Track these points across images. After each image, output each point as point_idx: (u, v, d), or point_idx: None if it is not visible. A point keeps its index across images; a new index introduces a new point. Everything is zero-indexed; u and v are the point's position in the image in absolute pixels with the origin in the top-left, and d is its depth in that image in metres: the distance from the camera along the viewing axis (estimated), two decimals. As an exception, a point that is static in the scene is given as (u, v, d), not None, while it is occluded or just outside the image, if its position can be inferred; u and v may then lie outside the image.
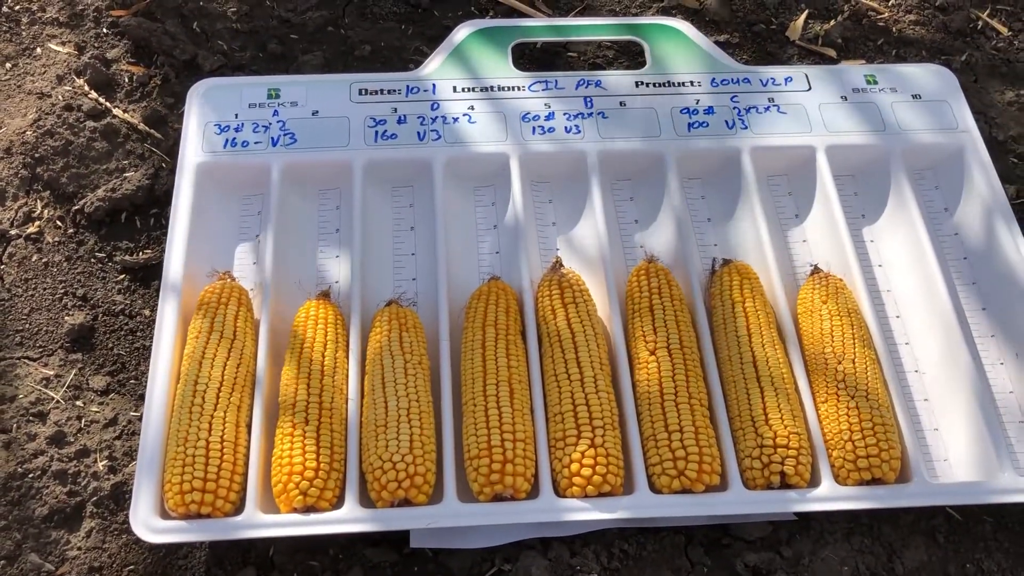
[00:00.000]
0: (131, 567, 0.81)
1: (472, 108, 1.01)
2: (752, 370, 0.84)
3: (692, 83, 1.04)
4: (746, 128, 1.01)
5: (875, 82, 1.05)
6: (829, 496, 0.79)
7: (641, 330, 0.87)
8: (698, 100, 1.03)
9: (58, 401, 0.89)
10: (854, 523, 0.83)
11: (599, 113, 1.01)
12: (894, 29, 1.20)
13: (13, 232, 0.99)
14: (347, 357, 0.86)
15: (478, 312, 0.88)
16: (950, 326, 0.89)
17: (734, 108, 1.02)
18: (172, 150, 1.04)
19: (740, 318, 0.87)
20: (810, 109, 1.03)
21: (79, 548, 0.81)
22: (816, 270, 0.93)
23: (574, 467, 0.78)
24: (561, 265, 0.92)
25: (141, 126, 1.06)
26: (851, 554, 0.81)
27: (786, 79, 1.05)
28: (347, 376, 0.85)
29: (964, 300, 0.93)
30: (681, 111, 1.02)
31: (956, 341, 0.88)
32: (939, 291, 0.91)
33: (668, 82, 1.04)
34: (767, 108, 1.02)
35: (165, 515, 0.77)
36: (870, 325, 0.89)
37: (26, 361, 0.92)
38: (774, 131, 1.01)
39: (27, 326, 0.94)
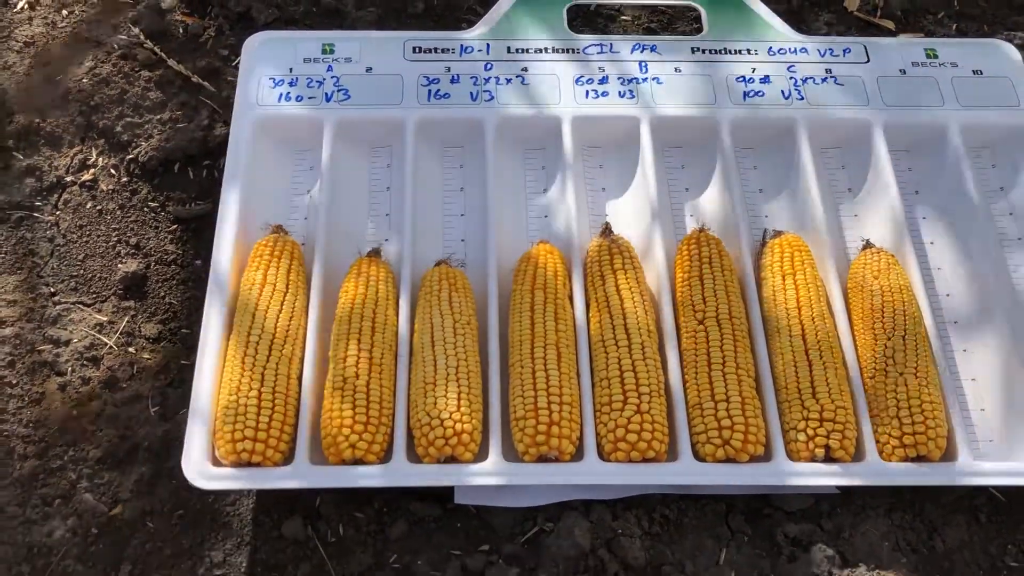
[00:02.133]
0: (181, 512, 0.82)
1: (525, 70, 1.01)
2: (801, 343, 0.84)
3: (749, 51, 1.03)
4: (802, 99, 1.00)
5: (935, 56, 1.03)
6: (873, 471, 0.79)
7: (690, 299, 0.87)
8: (754, 68, 1.01)
9: (111, 347, 0.91)
10: (896, 499, 0.83)
11: (654, 78, 1.00)
12: (955, 2, 1.18)
13: (68, 179, 1.01)
14: (396, 315, 0.87)
15: (527, 275, 0.88)
16: (1002, 307, 0.88)
17: (791, 78, 1.01)
18: (225, 102, 1.04)
19: (790, 290, 0.87)
20: (868, 82, 1.01)
21: (131, 491, 0.83)
22: (868, 245, 0.92)
23: (619, 432, 0.79)
24: (611, 231, 0.91)
25: (195, 78, 1.06)
26: (892, 529, 0.81)
27: (845, 50, 1.03)
28: (396, 333, 0.85)
29: (1016, 281, 0.92)
30: (737, 79, 1.00)
31: (1007, 322, 0.87)
32: (991, 271, 0.90)
33: (724, 49, 1.03)
34: (824, 79, 1.01)
35: (216, 463, 0.79)
36: (919, 302, 0.88)
37: (80, 306, 0.93)
38: (830, 103, 1.00)
39: (81, 272, 0.95)
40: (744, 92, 1.00)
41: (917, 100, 1.00)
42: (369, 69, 1.00)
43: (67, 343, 0.91)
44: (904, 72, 1.02)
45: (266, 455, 0.78)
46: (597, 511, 0.80)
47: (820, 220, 0.93)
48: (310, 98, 0.98)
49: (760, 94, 1.00)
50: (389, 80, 1.00)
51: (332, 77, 0.99)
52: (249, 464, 0.78)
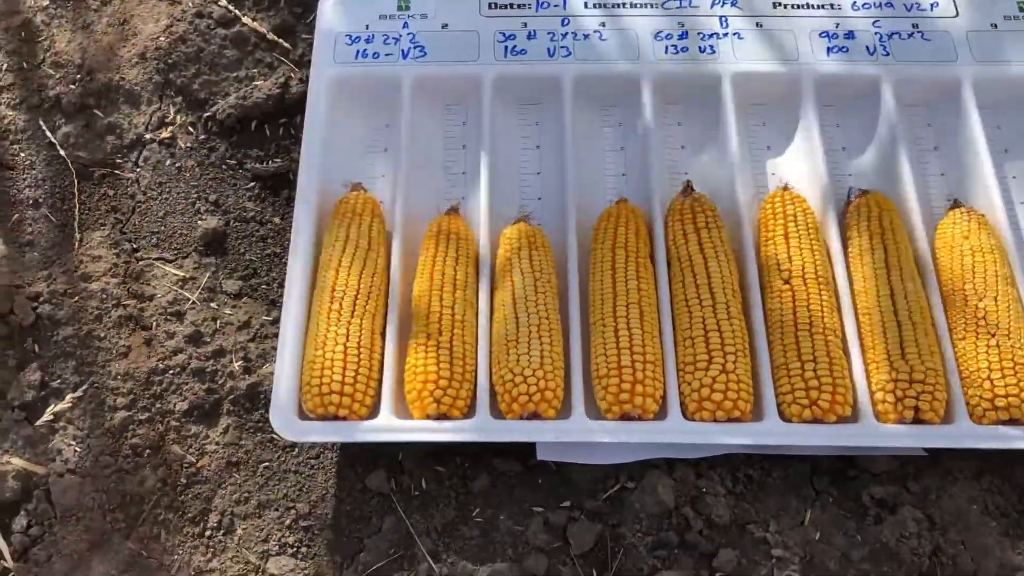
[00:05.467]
0: (266, 464, 0.84)
1: (603, 25, 0.99)
2: (889, 303, 0.82)
3: (832, 5, 1.00)
4: (888, 55, 0.97)
5: (1028, 10, 1.00)
6: (964, 434, 0.78)
7: (775, 258, 0.85)
8: (838, 23, 0.99)
9: (194, 302, 0.92)
10: (985, 462, 0.81)
11: (735, 34, 0.98)
12: (1045, -46, 1.14)
13: (148, 136, 1.02)
14: (476, 272, 0.87)
15: (607, 233, 0.87)
16: (1097, 268, 0.86)
17: (876, 33, 0.98)
18: (300, 60, 1.04)
19: (878, 250, 0.85)
20: (957, 37, 0.98)
21: (217, 443, 0.85)
22: (956, 204, 0.90)
23: (704, 391, 0.78)
24: (692, 189, 0.90)
25: (270, 35, 1.06)
26: (980, 493, 0.80)
27: (932, 4, 1.00)
28: (476, 291, 0.85)
29: (1112, 242, 0.90)
30: (820, 34, 0.98)
31: (1103, 284, 0.85)
32: (1087, 231, 0.87)
33: (807, 3, 1.00)
34: (911, 34, 0.98)
35: (303, 416, 0.80)
36: (1010, 264, 0.86)
37: (163, 262, 0.94)
38: (917, 59, 0.97)
39: (162, 228, 0.97)
40: (827, 48, 0.97)
41: (1008, 55, 0.97)
42: (445, 25, 0.99)
43: (151, 298, 0.92)
44: (995, 26, 0.99)
45: (352, 408, 0.78)
46: (680, 469, 0.80)
47: (907, 179, 0.91)
48: (387, 55, 0.98)
49: (844, 50, 0.97)
50: (465, 36, 0.99)
51: (408, 34, 0.99)
52: (336, 417, 0.79)
